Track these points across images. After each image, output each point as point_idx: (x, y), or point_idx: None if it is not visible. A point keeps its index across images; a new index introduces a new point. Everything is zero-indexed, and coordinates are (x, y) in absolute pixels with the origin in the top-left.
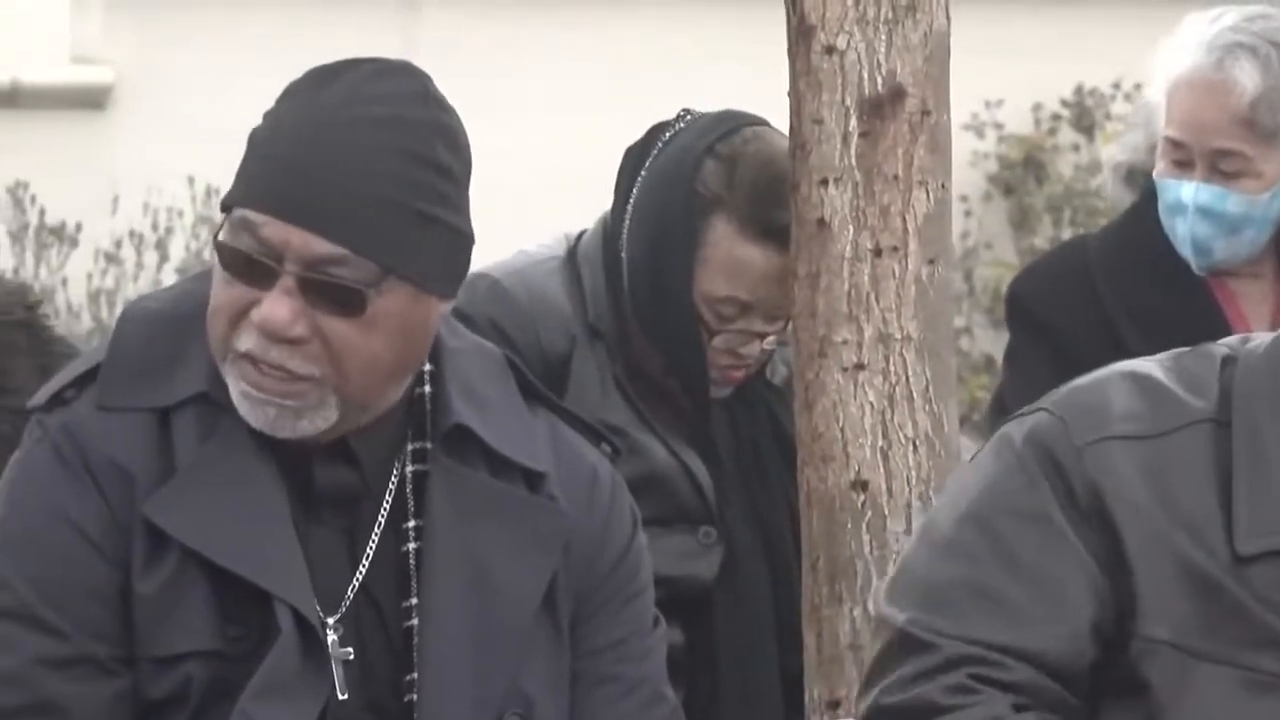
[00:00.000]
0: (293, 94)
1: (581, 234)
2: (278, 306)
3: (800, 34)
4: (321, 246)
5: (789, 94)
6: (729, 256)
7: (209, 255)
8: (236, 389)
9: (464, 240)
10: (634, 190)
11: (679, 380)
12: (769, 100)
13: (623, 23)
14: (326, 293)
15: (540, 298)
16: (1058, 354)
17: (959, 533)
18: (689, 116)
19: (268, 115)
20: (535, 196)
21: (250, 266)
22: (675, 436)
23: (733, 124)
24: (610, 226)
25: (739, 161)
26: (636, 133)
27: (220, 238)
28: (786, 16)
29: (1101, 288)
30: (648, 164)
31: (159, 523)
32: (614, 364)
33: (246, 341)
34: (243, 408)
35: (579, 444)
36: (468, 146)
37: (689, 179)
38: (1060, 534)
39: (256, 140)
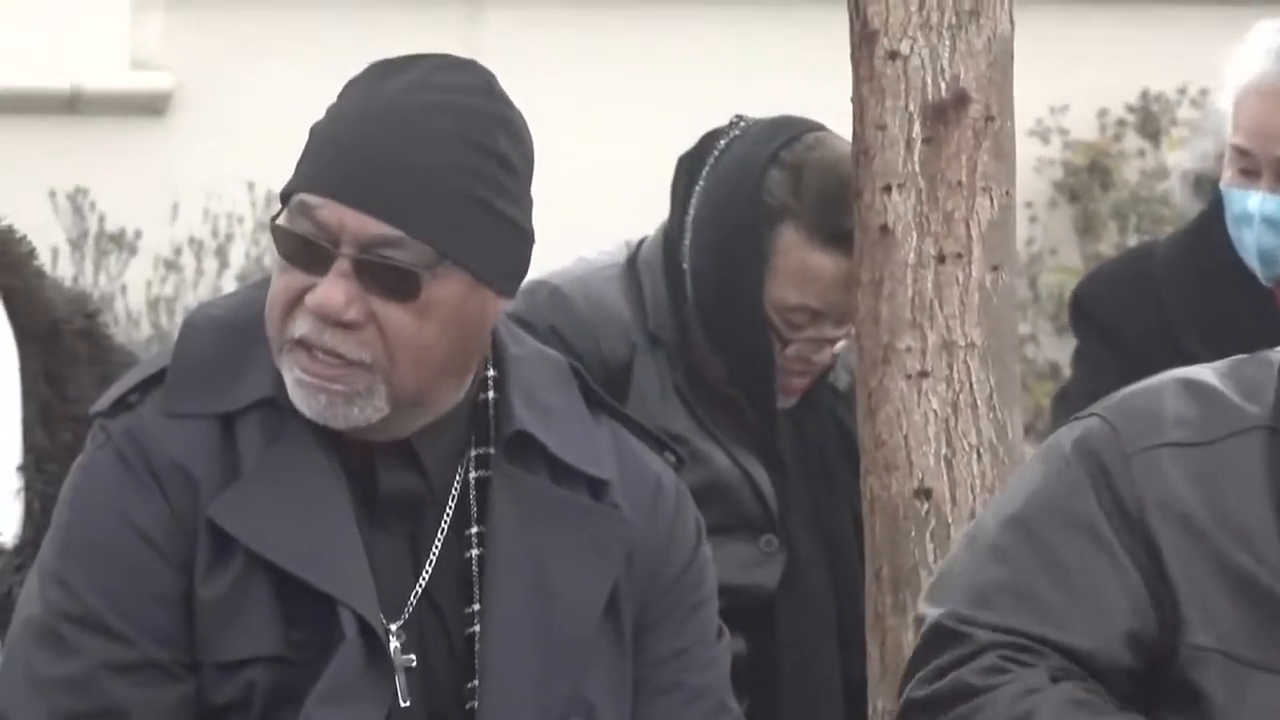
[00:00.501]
0: (356, 85)
1: (642, 241)
2: (332, 289)
3: (863, 39)
4: (376, 228)
5: (851, 100)
6: (799, 265)
7: (269, 262)
8: (291, 378)
9: (524, 236)
10: (692, 200)
11: (744, 390)
12: (829, 106)
13: (684, 28)
14: (381, 275)
15: (600, 305)
16: (1121, 358)
17: (1002, 536)
18: (743, 123)
19: (330, 107)
20: (596, 201)
21: (306, 250)
22: (737, 444)
23: (793, 131)
24: (670, 236)
25: (804, 169)
26: (692, 139)
27: (278, 222)
28: (849, 21)
29: (1166, 295)
30: (704, 173)
31: (223, 525)
32: (674, 372)
33: (301, 327)
34: (297, 397)
35: (643, 452)
36: (531, 146)
37: (754, 188)
38: (1103, 542)
39: (317, 130)
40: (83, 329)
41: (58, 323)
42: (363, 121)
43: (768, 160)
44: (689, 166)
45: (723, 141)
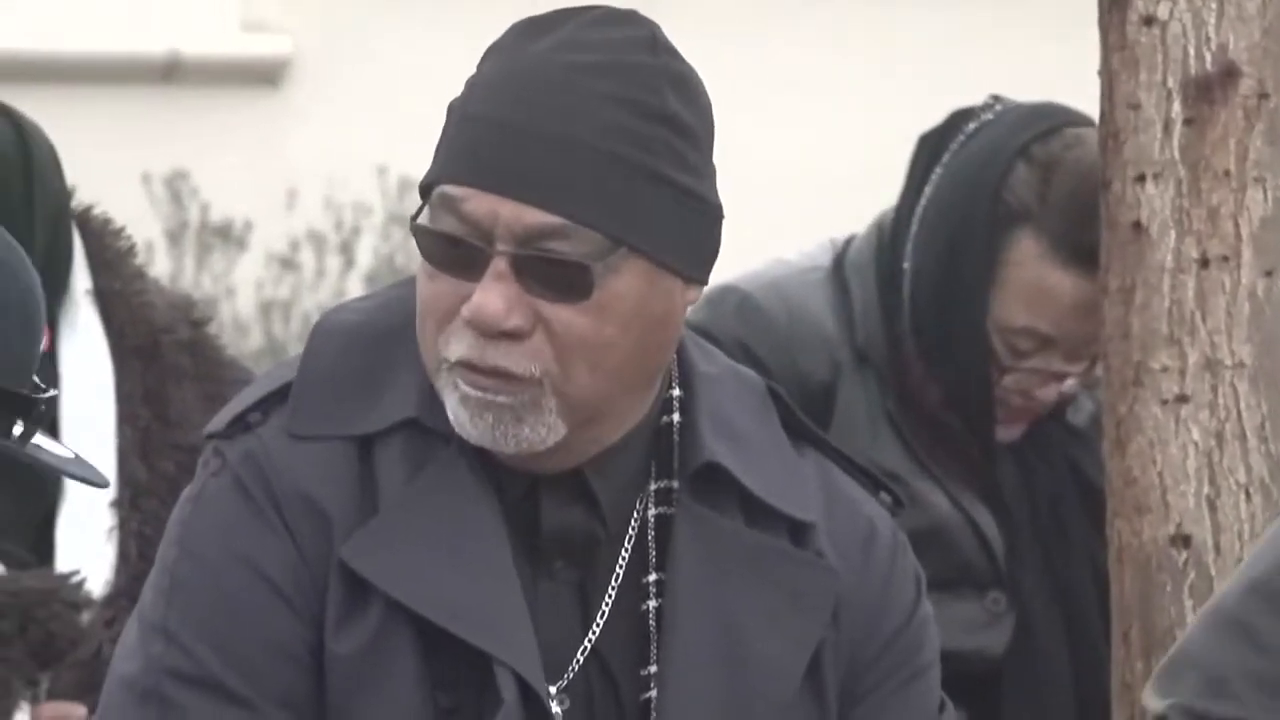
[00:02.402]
0: (497, 50)
1: (850, 240)
2: (489, 295)
3: (1114, 2)
4: (535, 217)
5: (1099, 73)
6: (1033, 280)
7: (402, 260)
8: (454, 398)
9: (710, 210)
10: (927, 186)
11: (963, 418)
12: (1075, 83)
13: None
14: (545, 273)
15: (800, 316)
16: None
17: (1243, 608)
18: (999, 105)
19: (469, 79)
20: (788, 201)
21: (455, 252)
22: (958, 485)
23: (1052, 122)
24: (893, 227)
25: (1056, 168)
26: (909, 124)
27: (419, 221)
28: None
29: None
30: (945, 158)
31: (359, 569)
32: (885, 397)
33: (459, 347)
34: (460, 418)
35: (854, 492)
36: (709, 106)
37: (995, 183)
38: None
39: (455, 108)
40: (187, 340)
41: (159, 333)
42: (506, 92)
43: (1016, 153)
44: (931, 147)
45: (972, 124)
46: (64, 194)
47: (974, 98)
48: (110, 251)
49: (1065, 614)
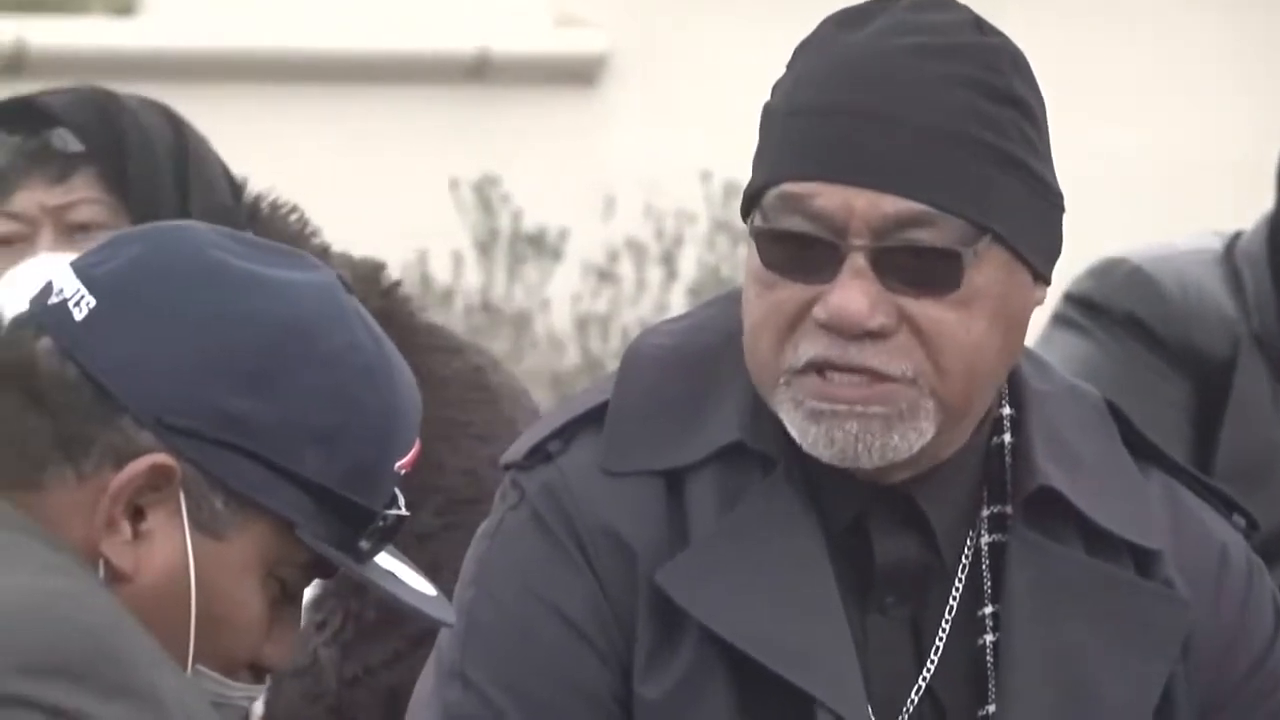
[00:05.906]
0: (811, 45)
1: (1238, 234)
2: (850, 292)
3: None
4: (896, 205)
5: None
6: None
7: (728, 271)
8: (800, 413)
9: (1056, 200)
10: None
11: None
12: None
13: None
14: (908, 266)
15: (1196, 291)
16: None
17: None
18: None
19: (781, 79)
20: (1143, 200)
21: (804, 252)
22: None
23: None
24: (1276, 224)
25: None
26: (1256, 124)
27: (757, 225)
28: None
29: None
30: None
31: (674, 596)
32: None
33: (812, 348)
34: (811, 434)
35: (1204, 515)
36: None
37: None
38: None
39: (775, 109)
40: (379, 309)
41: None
42: (839, 81)
43: None
44: None
45: None
46: (229, 210)
47: None
48: (284, 236)
49: None
